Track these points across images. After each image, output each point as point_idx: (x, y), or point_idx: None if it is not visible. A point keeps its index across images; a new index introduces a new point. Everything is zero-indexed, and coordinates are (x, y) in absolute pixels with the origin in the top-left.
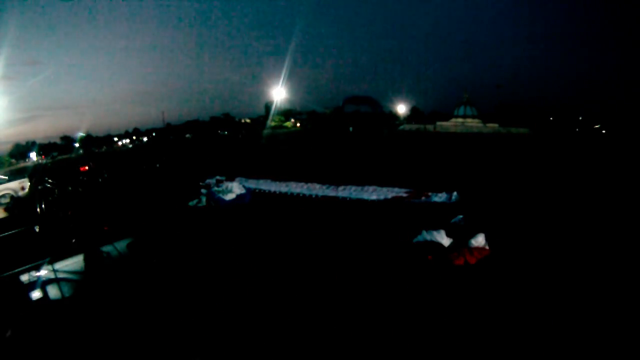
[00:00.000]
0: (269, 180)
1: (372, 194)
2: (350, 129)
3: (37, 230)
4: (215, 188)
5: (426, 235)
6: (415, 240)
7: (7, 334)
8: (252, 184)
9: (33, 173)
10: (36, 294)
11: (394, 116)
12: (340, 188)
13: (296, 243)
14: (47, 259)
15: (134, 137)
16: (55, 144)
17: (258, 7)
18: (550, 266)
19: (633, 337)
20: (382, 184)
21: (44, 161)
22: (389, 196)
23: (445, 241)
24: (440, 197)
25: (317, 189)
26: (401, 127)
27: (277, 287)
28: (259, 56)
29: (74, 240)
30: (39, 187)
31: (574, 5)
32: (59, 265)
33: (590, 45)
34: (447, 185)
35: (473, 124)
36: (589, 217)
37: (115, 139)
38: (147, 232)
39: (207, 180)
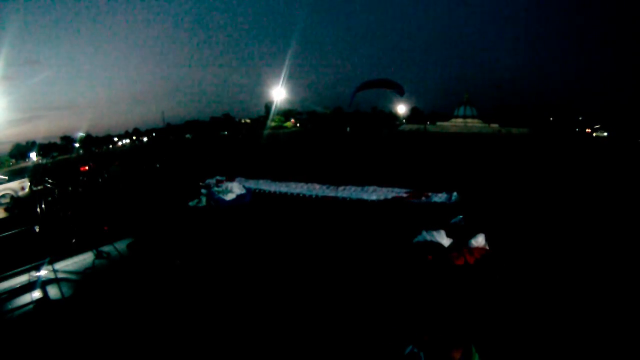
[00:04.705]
0: (269, 180)
1: (372, 194)
2: (348, 129)
3: (37, 230)
4: (215, 188)
5: (426, 236)
6: (415, 240)
7: None
8: (252, 184)
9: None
10: (36, 294)
11: (394, 116)
12: (340, 188)
13: (296, 243)
14: (47, 259)
15: (134, 137)
16: (55, 144)
17: (258, 7)
18: (549, 266)
19: (632, 336)
20: (382, 184)
21: (44, 161)
22: (389, 196)
23: (445, 241)
24: (440, 197)
25: (317, 189)
26: (401, 127)
27: (277, 287)
28: (259, 56)
29: (74, 240)
30: (39, 187)
31: (574, 5)
32: (59, 265)
33: (590, 46)
34: (447, 185)
35: (473, 124)
36: (589, 216)
37: (115, 139)
38: (147, 232)
39: (207, 180)
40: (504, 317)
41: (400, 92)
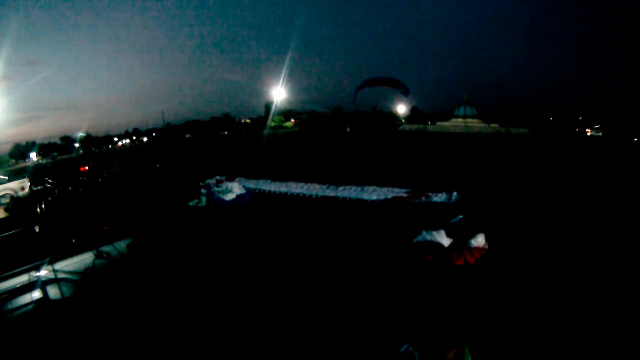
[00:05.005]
0: (268, 181)
1: (372, 194)
2: (348, 129)
3: (37, 230)
4: (215, 188)
5: (426, 236)
6: (415, 240)
7: None
8: (252, 184)
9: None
10: (36, 294)
11: (394, 116)
12: (340, 188)
13: (296, 243)
14: (47, 259)
15: (134, 137)
16: (55, 144)
17: (258, 7)
18: (549, 266)
19: (631, 336)
20: (382, 184)
21: (44, 161)
22: (389, 196)
23: (445, 241)
24: (440, 197)
25: (317, 189)
26: (401, 127)
27: (277, 287)
28: (259, 56)
29: (74, 240)
30: (39, 187)
31: (574, 4)
32: (59, 265)
33: (590, 45)
34: (447, 185)
35: (473, 124)
36: (586, 215)
37: (115, 139)
38: (147, 232)
39: (207, 180)
40: (499, 318)
41: (405, 92)
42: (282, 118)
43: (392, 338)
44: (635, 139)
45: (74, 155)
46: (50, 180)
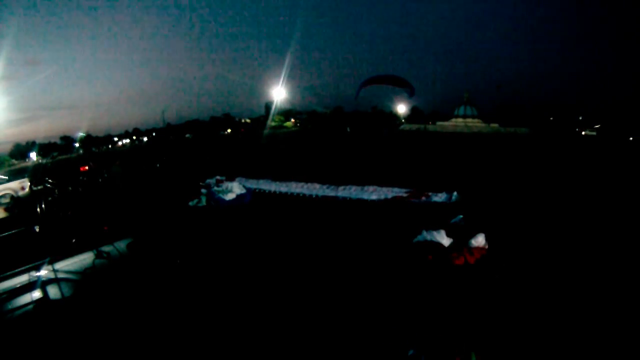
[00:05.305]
0: (269, 180)
1: (372, 194)
2: (348, 128)
3: (37, 230)
4: (215, 188)
5: (426, 235)
6: (415, 240)
7: None
8: (252, 184)
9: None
10: (36, 294)
11: (394, 116)
12: (340, 188)
13: (296, 243)
14: (47, 259)
15: (134, 137)
16: (55, 144)
17: (258, 7)
18: (549, 265)
19: (630, 335)
20: (382, 184)
21: (44, 161)
22: (389, 196)
23: (445, 241)
24: (440, 197)
25: (317, 189)
26: (401, 127)
27: (278, 287)
28: (259, 56)
29: (74, 240)
30: (39, 187)
31: (574, 4)
32: (59, 265)
33: (590, 45)
34: (447, 185)
35: (473, 123)
36: (586, 214)
37: (115, 139)
38: (147, 232)
39: (207, 180)
40: (503, 322)
41: (410, 93)
42: (282, 118)
43: (398, 341)
44: (631, 139)
45: (74, 155)
46: (50, 180)
